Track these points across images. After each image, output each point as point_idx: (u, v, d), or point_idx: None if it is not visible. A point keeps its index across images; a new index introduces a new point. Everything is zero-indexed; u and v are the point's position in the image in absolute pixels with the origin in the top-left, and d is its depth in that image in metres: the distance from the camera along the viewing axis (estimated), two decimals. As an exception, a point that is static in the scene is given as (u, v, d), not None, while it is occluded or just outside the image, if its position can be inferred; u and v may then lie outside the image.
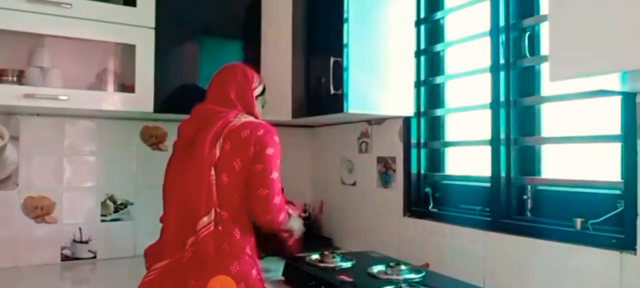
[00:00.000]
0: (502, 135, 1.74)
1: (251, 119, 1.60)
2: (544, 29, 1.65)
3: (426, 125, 2.13)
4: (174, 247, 1.50)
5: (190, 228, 1.48)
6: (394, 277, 1.68)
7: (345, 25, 1.93)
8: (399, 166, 2.16)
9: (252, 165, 1.52)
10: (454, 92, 2.07)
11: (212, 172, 1.49)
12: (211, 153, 1.49)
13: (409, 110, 2.07)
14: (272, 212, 1.54)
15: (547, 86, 1.66)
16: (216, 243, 1.47)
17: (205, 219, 1.47)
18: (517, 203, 1.72)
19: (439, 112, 2.09)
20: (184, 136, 1.60)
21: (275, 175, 1.55)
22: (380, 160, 2.27)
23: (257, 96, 1.73)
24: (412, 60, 2.09)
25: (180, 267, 1.48)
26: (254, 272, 1.53)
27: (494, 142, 1.76)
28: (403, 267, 1.73)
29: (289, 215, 1.63)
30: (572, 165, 1.62)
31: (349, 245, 2.43)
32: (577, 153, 1.62)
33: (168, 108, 2.13)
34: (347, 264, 1.84)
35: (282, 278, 1.87)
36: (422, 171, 2.12)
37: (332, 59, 1.94)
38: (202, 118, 1.58)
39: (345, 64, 1.92)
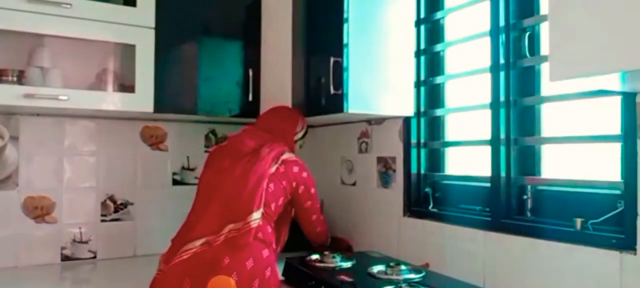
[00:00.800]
0: (502, 135, 1.74)
1: (296, 157, 2.03)
2: (544, 29, 1.65)
3: (426, 125, 2.13)
4: (209, 228, 1.70)
5: (233, 218, 1.71)
6: (394, 277, 1.68)
7: (345, 25, 1.93)
8: (399, 166, 2.16)
9: (300, 198, 2.01)
10: (454, 92, 2.07)
11: (265, 181, 1.82)
12: (270, 168, 1.87)
13: (409, 110, 2.07)
14: (321, 225, 2.18)
15: (547, 86, 1.66)
16: (255, 232, 1.72)
17: (255, 214, 1.73)
18: (517, 203, 1.72)
19: (439, 112, 2.09)
20: (245, 145, 1.93)
21: (318, 204, 2.13)
22: (380, 160, 2.27)
23: (297, 140, 2.16)
24: (412, 60, 2.09)
25: (213, 249, 1.67)
26: (275, 262, 1.78)
27: (494, 142, 1.76)
28: (403, 267, 1.73)
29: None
30: (572, 165, 1.62)
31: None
32: (577, 153, 1.62)
33: (168, 108, 2.14)
34: (347, 264, 1.84)
35: (282, 278, 1.87)
36: (422, 171, 2.12)
37: (332, 59, 1.94)
38: (265, 140, 1.96)
39: (345, 64, 1.92)
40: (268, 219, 1.82)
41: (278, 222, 1.93)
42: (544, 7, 1.64)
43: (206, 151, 2.51)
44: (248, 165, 1.84)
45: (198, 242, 1.68)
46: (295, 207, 2.05)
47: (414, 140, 2.12)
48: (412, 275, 1.69)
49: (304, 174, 2.01)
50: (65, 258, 2.21)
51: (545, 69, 1.65)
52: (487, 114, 1.79)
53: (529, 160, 1.73)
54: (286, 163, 1.94)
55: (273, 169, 1.88)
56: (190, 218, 1.83)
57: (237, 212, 1.73)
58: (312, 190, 2.06)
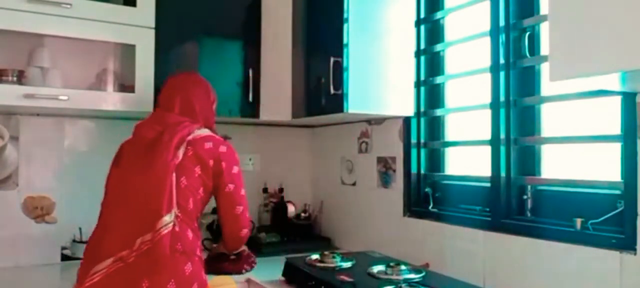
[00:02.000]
0: (502, 135, 1.74)
1: (211, 133, 1.73)
2: (544, 29, 1.65)
3: (426, 125, 2.13)
4: (119, 242, 1.48)
5: (142, 227, 1.48)
6: (394, 277, 1.68)
7: (345, 25, 1.93)
8: (399, 166, 2.16)
9: (220, 182, 1.66)
10: (454, 92, 2.07)
11: (174, 175, 1.56)
12: (175, 157, 1.58)
13: (409, 110, 2.07)
14: (247, 226, 1.77)
15: (547, 86, 1.66)
16: (172, 243, 1.49)
17: (166, 218, 1.49)
18: (517, 203, 1.72)
19: (439, 112, 2.09)
20: (143, 137, 1.65)
21: (243, 191, 1.73)
22: (380, 160, 2.27)
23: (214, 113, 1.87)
24: (412, 60, 2.09)
25: (128, 267, 1.46)
26: (203, 273, 1.57)
27: (494, 142, 1.76)
28: (403, 267, 1.73)
29: None
30: (572, 165, 1.62)
31: (349, 245, 2.43)
32: (577, 153, 1.62)
33: (168, 108, 2.13)
34: (347, 264, 1.84)
35: (282, 278, 1.87)
36: (422, 171, 2.12)
37: (332, 59, 1.94)
38: (167, 124, 1.66)
39: (345, 64, 1.92)
40: (187, 221, 1.55)
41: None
42: (544, 7, 1.64)
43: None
44: (149, 159, 1.56)
45: (108, 260, 1.45)
46: (215, 196, 1.69)
47: (414, 140, 2.12)
48: (412, 275, 1.69)
49: (223, 148, 1.68)
50: (65, 258, 2.21)
51: (545, 69, 1.65)
52: (487, 114, 1.79)
53: (529, 160, 1.73)
54: (194, 143, 1.64)
55: (180, 157, 1.59)
56: (97, 230, 1.60)
57: (145, 220, 1.48)
58: (235, 169, 1.69)
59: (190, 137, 1.64)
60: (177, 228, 1.51)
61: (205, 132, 1.71)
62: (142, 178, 1.54)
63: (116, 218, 1.53)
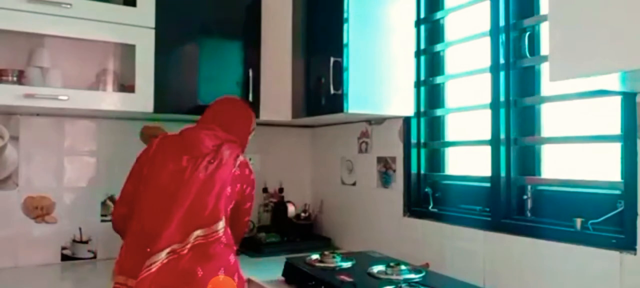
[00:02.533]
0: (502, 135, 1.74)
1: (244, 158, 1.89)
2: (544, 29, 1.65)
3: (426, 125, 2.13)
4: (174, 237, 1.59)
5: (199, 223, 1.64)
6: (394, 277, 1.68)
7: (345, 25, 1.93)
8: (399, 166, 2.16)
9: (244, 200, 1.87)
10: (454, 92, 2.07)
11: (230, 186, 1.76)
12: (232, 172, 1.78)
13: (409, 110, 2.07)
14: (246, 229, 2.07)
15: (547, 86, 1.66)
16: (223, 240, 1.68)
17: (221, 222, 1.68)
18: (517, 203, 1.72)
19: (439, 112, 2.09)
20: (203, 144, 1.78)
21: (252, 204, 1.98)
22: (380, 160, 2.27)
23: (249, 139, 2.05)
24: (412, 60, 2.09)
25: (181, 258, 1.58)
26: (239, 264, 1.74)
27: (494, 142, 1.76)
28: (403, 267, 1.72)
29: None
30: (572, 165, 1.62)
31: (349, 245, 2.43)
32: (577, 153, 1.62)
33: (168, 108, 2.13)
34: (347, 264, 1.84)
35: (282, 278, 1.87)
36: (422, 171, 2.12)
37: (332, 59, 1.94)
38: (223, 138, 1.84)
39: (345, 64, 1.92)
40: (228, 222, 1.76)
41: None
42: (544, 7, 1.64)
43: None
44: (211, 169, 1.73)
45: (163, 253, 1.56)
46: (234, 208, 1.85)
47: (414, 140, 2.12)
48: (412, 275, 1.69)
49: (253, 177, 1.91)
50: (65, 258, 2.21)
51: (545, 69, 1.65)
52: (487, 114, 1.79)
53: (529, 160, 1.73)
54: (241, 165, 1.83)
55: (234, 172, 1.79)
56: (150, 222, 1.65)
57: (204, 218, 1.65)
58: (253, 191, 1.95)
59: (239, 160, 1.83)
60: (227, 229, 1.72)
61: (244, 157, 1.90)
62: (204, 185, 1.68)
63: (173, 217, 1.61)
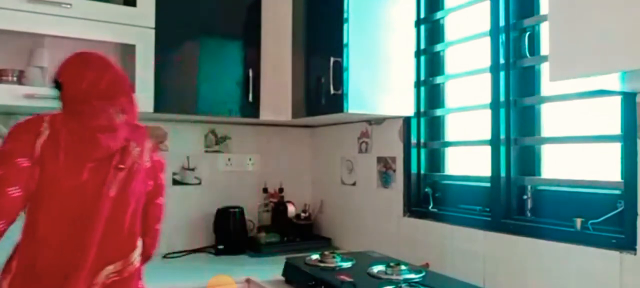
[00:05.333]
0: (502, 135, 1.74)
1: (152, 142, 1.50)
2: (544, 29, 1.65)
3: (426, 125, 2.13)
4: (88, 273, 1.26)
5: (111, 256, 1.30)
6: (394, 277, 1.68)
7: (345, 25, 1.93)
8: (399, 166, 2.16)
9: (155, 193, 1.49)
10: (454, 92, 2.07)
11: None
12: (146, 179, 1.40)
13: (409, 110, 2.07)
14: (157, 241, 1.56)
15: (547, 86, 1.66)
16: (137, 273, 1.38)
17: (137, 250, 1.36)
18: (517, 203, 1.72)
19: (439, 112, 2.09)
20: (108, 140, 1.32)
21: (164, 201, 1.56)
22: (380, 160, 2.27)
23: None
24: (412, 60, 2.09)
25: None
26: None
27: (494, 142, 1.76)
28: (403, 267, 1.72)
29: None
30: (572, 165, 1.62)
31: (348, 245, 2.43)
32: (577, 153, 1.62)
33: (168, 108, 2.13)
34: (347, 264, 1.84)
35: (282, 278, 1.87)
36: (422, 171, 2.12)
37: (332, 59, 1.94)
38: (132, 128, 1.39)
39: (345, 64, 1.92)
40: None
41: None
42: (544, 7, 1.64)
43: (207, 151, 2.52)
44: (122, 181, 1.31)
45: None
46: (144, 207, 1.43)
47: (414, 140, 2.12)
48: (412, 275, 1.69)
49: (163, 159, 1.52)
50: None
51: (545, 69, 1.65)
52: (487, 114, 1.79)
53: (529, 160, 1.73)
54: (152, 152, 1.45)
55: (146, 166, 1.41)
56: (47, 258, 1.27)
57: (117, 250, 1.30)
58: (164, 175, 1.54)
59: (149, 144, 1.42)
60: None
61: (151, 141, 1.46)
62: (116, 205, 1.31)
63: (88, 246, 1.25)
